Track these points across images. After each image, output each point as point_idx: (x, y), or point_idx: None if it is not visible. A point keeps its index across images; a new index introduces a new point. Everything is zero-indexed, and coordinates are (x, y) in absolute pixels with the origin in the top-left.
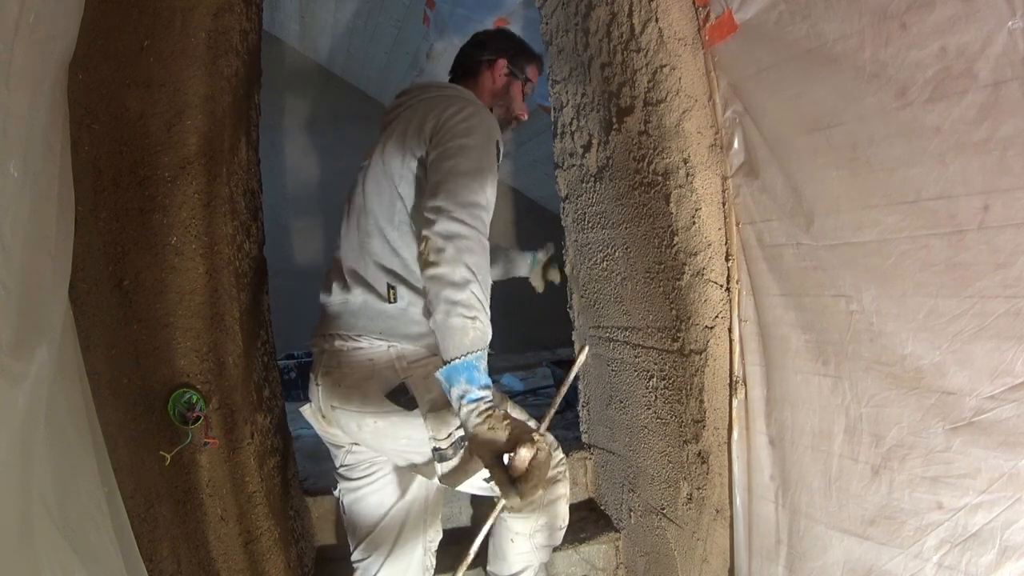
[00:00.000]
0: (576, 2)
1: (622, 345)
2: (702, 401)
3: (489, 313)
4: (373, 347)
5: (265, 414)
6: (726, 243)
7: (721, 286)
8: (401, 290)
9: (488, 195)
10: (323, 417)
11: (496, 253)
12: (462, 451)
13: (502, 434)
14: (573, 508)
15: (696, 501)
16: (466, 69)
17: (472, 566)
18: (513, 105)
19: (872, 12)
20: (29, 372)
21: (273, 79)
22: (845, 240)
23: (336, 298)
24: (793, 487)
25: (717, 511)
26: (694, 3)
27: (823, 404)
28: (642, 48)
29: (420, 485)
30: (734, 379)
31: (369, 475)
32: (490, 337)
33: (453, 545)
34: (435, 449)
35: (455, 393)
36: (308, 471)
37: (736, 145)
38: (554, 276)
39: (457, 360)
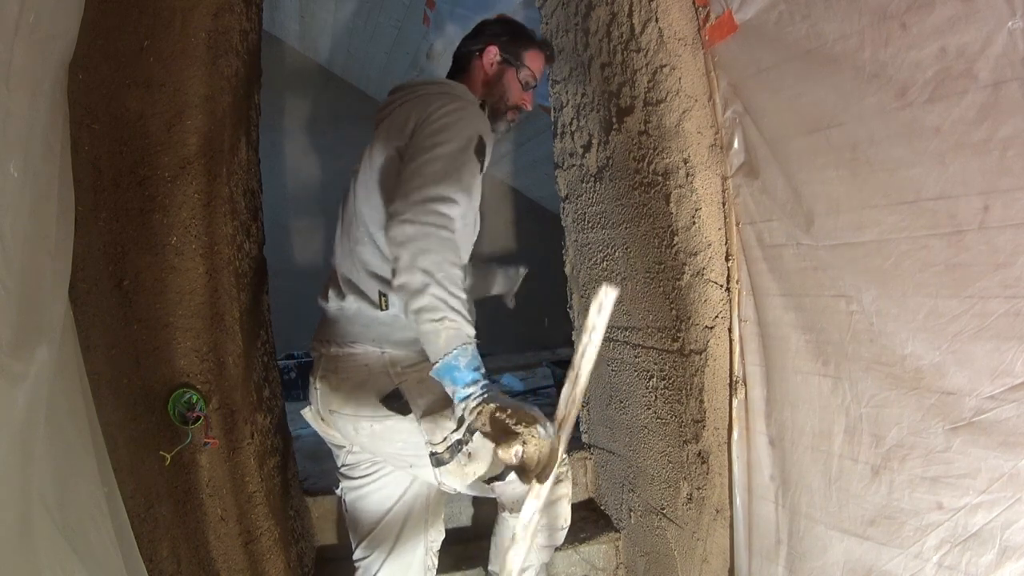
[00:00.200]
0: (576, 2)
1: (622, 345)
2: (702, 401)
3: (462, 305)
4: (368, 353)
5: (265, 414)
6: (726, 243)
7: (721, 286)
8: (393, 297)
9: (451, 190)
10: (322, 420)
11: (477, 269)
12: (459, 455)
13: (491, 431)
14: (573, 508)
15: (696, 501)
16: (459, 63)
17: (472, 566)
18: (507, 94)
19: (872, 12)
20: (29, 372)
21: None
22: (845, 240)
23: (332, 305)
24: (793, 487)
25: (717, 511)
26: (694, 3)
27: (823, 404)
28: (642, 48)
29: (421, 484)
30: (734, 379)
31: (371, 474)
32: (470, 329)
33: (456, 545)
34: (432, 453)
35: (449, 392)
36: (308, 471)
37: (736, 145)
38: (511, 301)
39: (438, 363)
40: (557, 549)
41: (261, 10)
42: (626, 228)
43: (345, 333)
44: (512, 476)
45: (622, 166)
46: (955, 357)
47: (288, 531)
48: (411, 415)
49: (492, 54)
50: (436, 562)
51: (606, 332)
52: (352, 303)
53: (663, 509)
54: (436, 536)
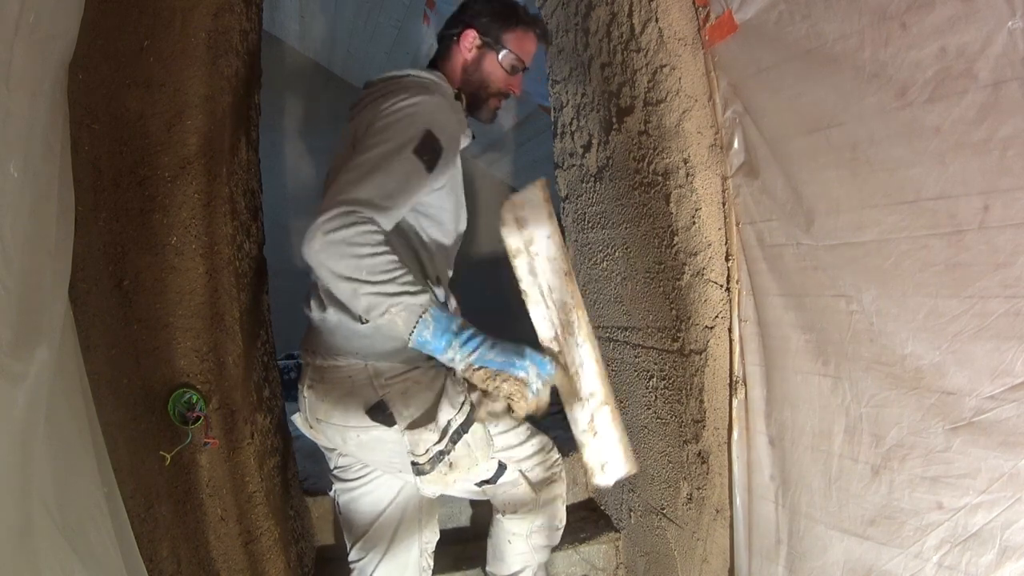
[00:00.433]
0: (576, 2)
1: (622, 345)
2: (702, 401)
3: (398, 279)
4: (351, 365)
5: (265, 414)
6: (726, 243)
7: (721, 286)
8: None
9: (368, 192)
10: (311, 427)
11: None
12: (440, 464)
13: (488, 394)
14: (573, 508)
15: (696, 501)
16: (438, 50)
17: (471, 566)
18: (488, 81)
19: (872, 12)
20: (29, 372)
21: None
22: (845, 240)
23: (315, 315)
24: (793, 487)
25: (717, 511)
26: (694, 3)
27: (823, 404)
28: (642, 48)
29: (414, 486)
30: (734, 379)
31: (363, 476)
32: (420, 299)
33: (454, 545)
34: (413, 463)
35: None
36: (308, 471)
37: (736, 145)
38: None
39: (411, 344)
40: (556, 549)
41: (261, 10)
42: (626, 228)
43: (329, 346)
44: (503, 479)
45: (622, 166)
46: (955, 357)
47: (288, 531)
48: (396, 426)
49: (470, 38)
50: (431, 563)
51: (606, 332)
52: (332, 315)
53: (663, 509)
54: (431, 537)
